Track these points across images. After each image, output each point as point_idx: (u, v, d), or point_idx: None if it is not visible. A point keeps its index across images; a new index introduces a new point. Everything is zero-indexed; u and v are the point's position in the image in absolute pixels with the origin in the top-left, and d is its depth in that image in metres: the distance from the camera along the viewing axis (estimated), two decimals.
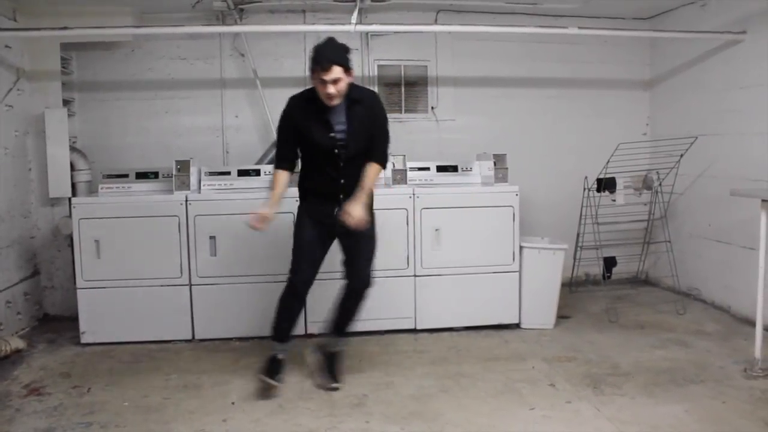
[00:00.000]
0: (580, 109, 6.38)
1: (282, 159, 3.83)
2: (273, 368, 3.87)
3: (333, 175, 3.74)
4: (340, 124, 3.67)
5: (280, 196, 3.77)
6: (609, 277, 6.11)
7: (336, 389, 3.87)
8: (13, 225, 5.13)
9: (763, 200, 3.94)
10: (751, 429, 3.30)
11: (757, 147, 4.98)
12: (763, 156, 4.90)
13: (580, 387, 3.88)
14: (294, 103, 3.73)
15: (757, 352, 4.03)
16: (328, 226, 3.79)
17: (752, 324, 4.12)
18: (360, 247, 3.85)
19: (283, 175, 3.79)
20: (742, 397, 3.66)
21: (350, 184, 3.72)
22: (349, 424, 3.45)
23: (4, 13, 5.05)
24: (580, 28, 5.36)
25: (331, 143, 3.66)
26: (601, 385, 3.89)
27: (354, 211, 3.58)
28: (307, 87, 3.69)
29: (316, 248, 3.85)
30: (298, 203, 3.93)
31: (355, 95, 3.67)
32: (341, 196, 3.74)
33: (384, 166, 3.85)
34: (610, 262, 6.07)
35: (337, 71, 3.45)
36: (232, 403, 3.72)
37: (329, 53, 3.48)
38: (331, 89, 3.48)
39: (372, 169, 3.75)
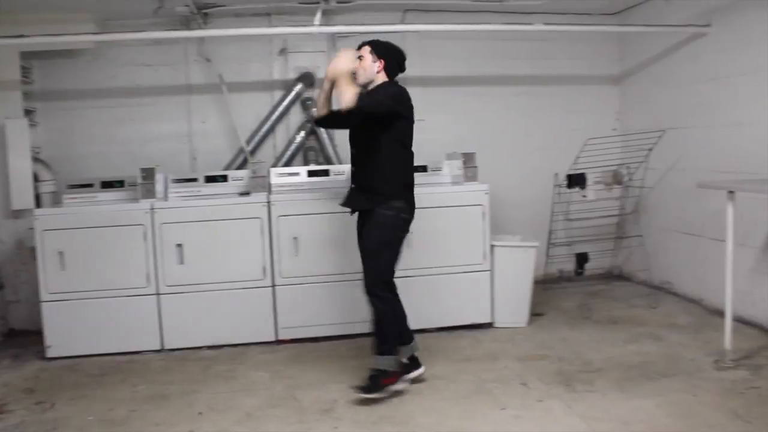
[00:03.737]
0: (549, 106, 6.37)
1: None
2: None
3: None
4: None
5: None
6: (581, 273, 6.11)
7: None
8: None
9: (729, 191, 3.95)
10: (720, 420, 3.29)
11: (723, 139, 5.01)
12: (730, 147, 4.92)
13: (552, 385, 3.86)
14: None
15: (727, 343, 4.04)
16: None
17: (723, 315, 4.11)
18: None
19: None
20: (712, 389, 3.66)
21: None
22: (319, 430, 3.40)
23: None
24: (546, 24, 5.37)
25: None
26: (573, 383, 3.87)
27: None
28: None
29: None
30: (390, 205, 3.72)
31: None
32: None
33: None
34: (582, 258, 6.07)
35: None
36: (200, 413, 3.65)
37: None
38: None
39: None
